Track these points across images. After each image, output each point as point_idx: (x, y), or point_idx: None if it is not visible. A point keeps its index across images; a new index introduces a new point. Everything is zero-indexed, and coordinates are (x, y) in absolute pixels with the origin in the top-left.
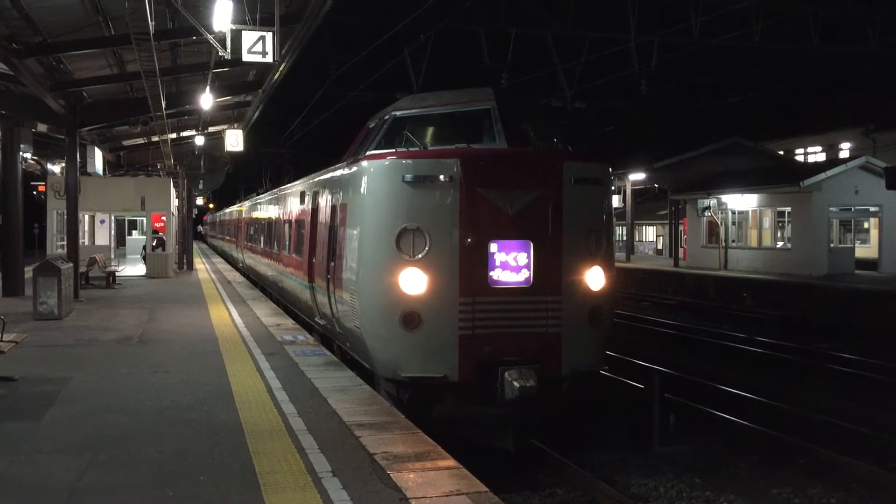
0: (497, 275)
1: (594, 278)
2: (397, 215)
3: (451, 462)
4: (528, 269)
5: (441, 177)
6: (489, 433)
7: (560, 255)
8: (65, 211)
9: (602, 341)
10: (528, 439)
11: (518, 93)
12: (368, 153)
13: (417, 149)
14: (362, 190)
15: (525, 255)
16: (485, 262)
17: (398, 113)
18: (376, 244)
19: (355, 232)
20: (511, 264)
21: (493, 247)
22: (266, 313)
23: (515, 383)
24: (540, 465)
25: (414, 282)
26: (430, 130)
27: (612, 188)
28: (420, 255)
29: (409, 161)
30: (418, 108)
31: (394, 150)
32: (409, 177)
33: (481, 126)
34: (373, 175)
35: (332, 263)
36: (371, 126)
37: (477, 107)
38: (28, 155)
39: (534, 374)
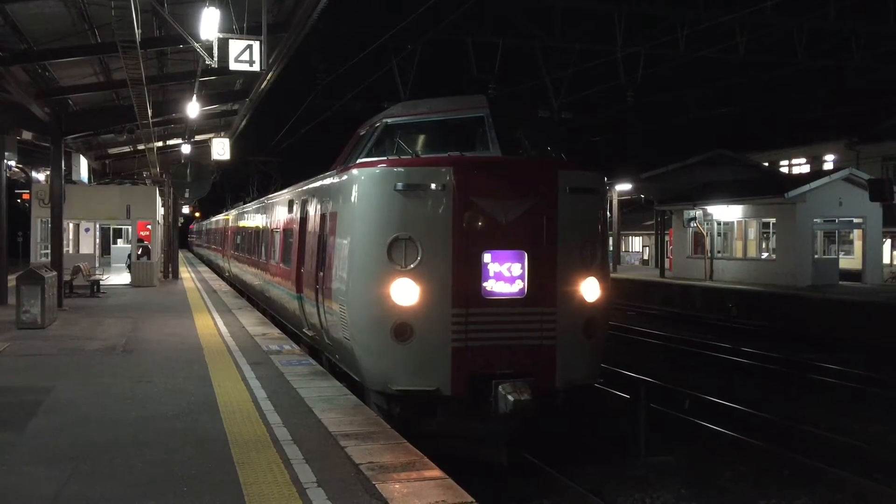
0: (491, 286)
1: (589, 289)
2: (389, 224)
3: (437, 472)
4: (523, 280)
5: (433, 185)
6: (482, 447)
7: (555, 266)
8: (49, 219)
9: (597, 353)
10: (521, 453)
11: (511, 100)
12: (359, 161)
13: (409, 157)
14: (353, 198)
15: (519, 265)
16: (478, 272)
17: (389, 120)
18: (367, 254)
19: (345, 241)
20: (505, 275)
21: (487, 257)
22: (252, 323)
23: (509, 397)
24: (527, 475)
25: (405, 292)
26: (421, 138)
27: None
28: (412, 266)
29: (401, 169)
30: (410, 115)
31: (385, 158)
32: (400, 185)
33: (474, 134)
34: (364, 183)
35: (322, 273)
36: (362, 133)
37: (470, 114)
38: (12, 163)
39: (528, 387)
